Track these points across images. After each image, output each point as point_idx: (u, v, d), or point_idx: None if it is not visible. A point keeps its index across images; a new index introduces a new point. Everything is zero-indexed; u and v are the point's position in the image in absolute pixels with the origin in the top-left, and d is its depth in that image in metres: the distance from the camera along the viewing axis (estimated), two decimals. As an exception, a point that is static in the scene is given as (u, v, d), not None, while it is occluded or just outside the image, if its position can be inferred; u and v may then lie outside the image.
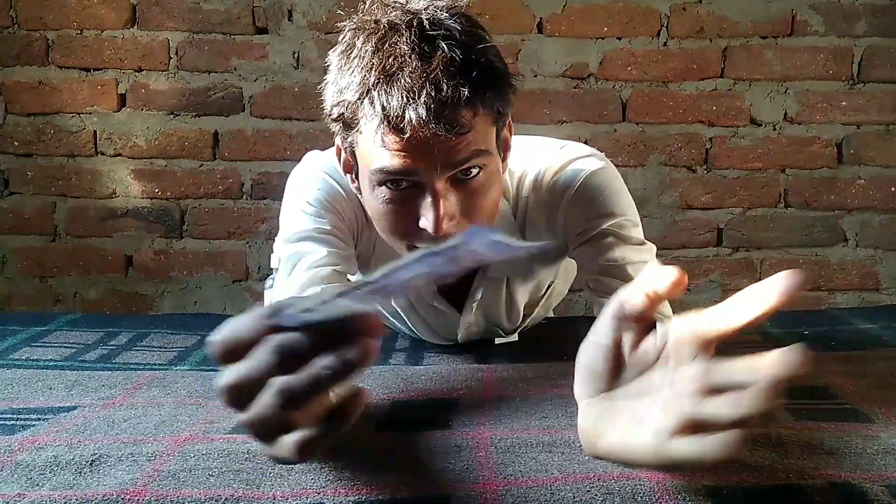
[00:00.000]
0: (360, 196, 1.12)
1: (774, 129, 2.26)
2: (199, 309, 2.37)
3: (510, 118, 1.08)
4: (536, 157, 1.21)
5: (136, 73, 2.29)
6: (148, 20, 2.26)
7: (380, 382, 1.13)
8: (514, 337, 1.34)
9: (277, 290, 1.11)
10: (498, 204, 1.09)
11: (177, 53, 2.27)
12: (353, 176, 1.10)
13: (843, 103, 2.24)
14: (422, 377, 1.16)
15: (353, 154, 1.07)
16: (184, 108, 2.29)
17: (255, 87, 2.27)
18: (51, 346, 1.34)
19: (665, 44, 2.24)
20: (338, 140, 1.09)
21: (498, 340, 1.32)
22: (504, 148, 1.09)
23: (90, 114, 2.30)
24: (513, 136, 1.13)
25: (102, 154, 2.31)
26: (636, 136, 2.27)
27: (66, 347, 1.34)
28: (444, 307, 1.28)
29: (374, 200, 1.04)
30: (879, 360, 1.19)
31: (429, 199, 0.98)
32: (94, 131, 2.31)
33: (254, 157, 2.29)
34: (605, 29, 2.23)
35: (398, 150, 0.96)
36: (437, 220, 0.97)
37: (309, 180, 1.19)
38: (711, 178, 2.29)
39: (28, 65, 2.28)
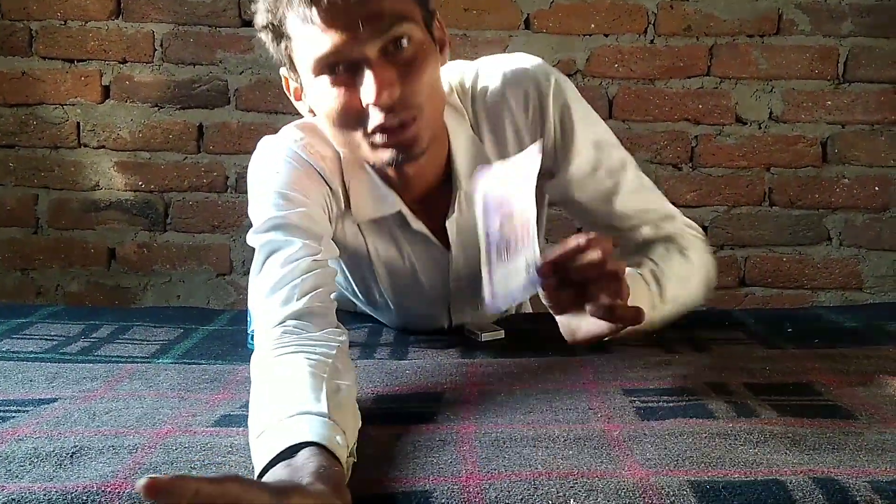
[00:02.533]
0: (314, 117, 1.14)
1: (760, 128, 2.27)
2: (182, 303, 2.36)
3: (441, 23, 1.13)
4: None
5: (121, 65, 2.27)
6: (133, 11, 2.24)
7: (364, 377, 1.13)
8: (501, 333, 1.33)
9: (252, 287, 1.09)
10: (440, 91, 1.11)
11: (162, 45, 2.26)
12: (304, 99, 1.14)
13: (829, 102, 2.25)
14: (406, 372, 1.16)
15: (293, 68, 1.11)
16: (168, 101, 2.27)
17: (241, 80, 2.26)
18: (32, 339, 1.34)
19: (652, 41, 2.24)
20: (283, 71, 1.16)
21: (484, 336, 1.32)
22: (440, 42, 1.12)
23: (73, 105, 2.28)
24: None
25: (86, 146, 2.30)
26: (622, 133, 2.27)
27: (47, 340, 1.33)
28: (429, 234, 1.23)
29: (323, 99, 1.06)
30: (862, 358, 1.19)
31: (366, 72, 1.01)
32: (78, 123, 2.29)
33: (239, 151, 2.27)
34: (593, 26, 2.23)
35: (324, 29, 1.00)
36: (379, 87, 0.99)
37: (270, 167, 1.17)
38: (697, 175, 2.29)
39: (11, 55, 2.26)
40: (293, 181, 1.14)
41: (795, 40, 2.23)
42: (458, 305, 1.36)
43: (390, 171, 1.16)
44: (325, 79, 1.04)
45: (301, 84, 1.13)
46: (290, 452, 0.73)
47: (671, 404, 1.00)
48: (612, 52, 2.24)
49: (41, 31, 2.25)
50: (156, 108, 2.28)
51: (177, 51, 2.26)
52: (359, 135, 1.07)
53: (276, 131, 2.12)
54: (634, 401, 1.01)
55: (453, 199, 1.21)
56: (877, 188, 2.28)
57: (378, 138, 1.05)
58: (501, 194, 0.86)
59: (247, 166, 2.24)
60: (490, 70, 1.21)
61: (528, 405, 1.00)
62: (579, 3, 2.22)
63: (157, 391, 1.07)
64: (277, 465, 0.73)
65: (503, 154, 1.18)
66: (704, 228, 2.30)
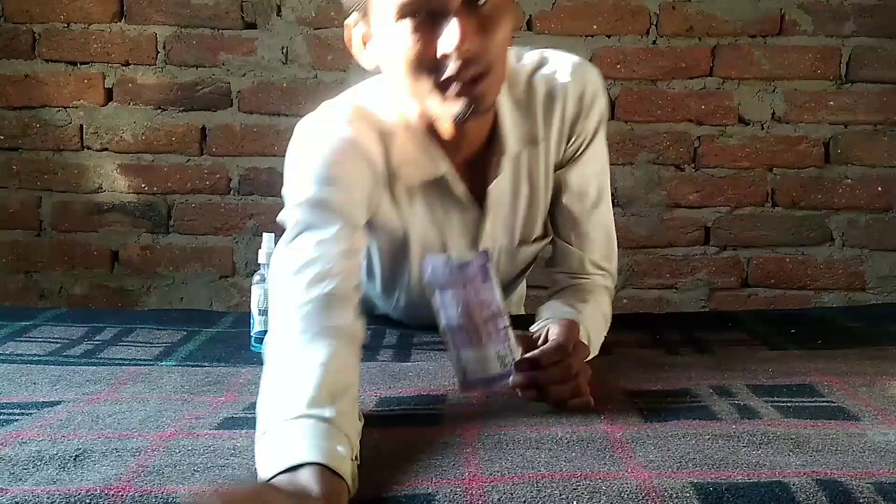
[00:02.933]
0: (377, 70, 1.15)
1: (762, 129, 2.27)
2: (185, 305, 2.36)
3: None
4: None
5: (124, 67, 2.27)
6: (135, 14, 2.25)
7: (367, 379, 1.13)
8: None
9: (278, 259, 1.08)
10: (507, 54, 1.13)
11: (164, 48, 2.26)
12: (369, 48, 1.14)
13: (831, 103, 2.25)
14: (409, 374, 1.16)
15: (366, 14, 1.11)
16: (171, 103, 2.28)
17: (243, 83, 2.26)
18: (35, 341, 1.34)
19: (654, 42, 2.24)
20: (350, 20, 1.14)
21: None
22: (511, 19, 1.12)
23: (77, 108, 2.28)
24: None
25: (89, 148, 2.30)
26: (625, 134, 2.27)
27: (50, 342, 1.33)
28: (465, 199, 1.24)
29: (399, 45, 1.06)
30: (865, 359, 1.19)
31: (451, 20, 1.02)
32: (81, 125, 2.29)
33: (241, 153, 2.28)
34: (595, 27, 2.23)
35: None
36: (462, 36, 1.01)
37: (314, 144, 1.15)
38: (699, 176, 2.29)
39: (14, 58, 2.26)
40: (338, 162, 1.13)
41: (798, 41, 2.23)
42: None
43: (450, 129, 1.17)
44: (406, 23, 1.04)
45: (372, 31, 1.12)
46: (292, 468, 0.74)
47: (674, 406, 1.00)
48: (614, 54, 2.24)
49: (44, 34, 2.25)
50: (159, 111, 2.28)
51: (179, 53, 2.26)
52: (429, 84, 1.07)
53: (278, 133, 2.12)
54: (637, 402, 1.01)
55: (497, 162, 1.22)
56: (880, 188, 2.28)
57: (451, 89, 1.06)
58: (454, 290, 0.96)
59: (250, 168, 2.24)
60: (559, 57, 1.27)
61: (531, 407, 1.00)
62: (581, 5, 2.22)
63: (161, 394, 1.07)
64: (281, 478, 0.74)
65: (548, 133, 1.24)
66: (707, 230, 2.30)
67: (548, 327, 1.09)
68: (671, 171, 2.29)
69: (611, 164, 2.07)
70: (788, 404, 0.99)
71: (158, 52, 2.26)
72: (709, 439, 0.87)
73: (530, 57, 1.27)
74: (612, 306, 1.32)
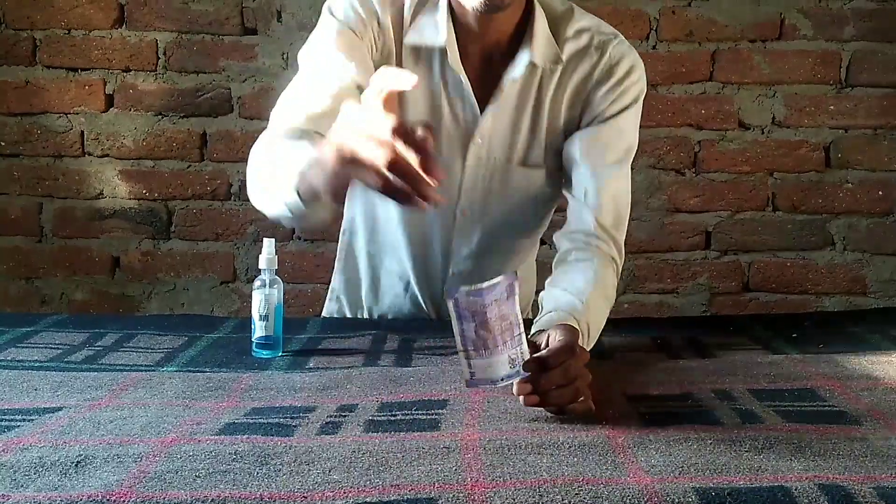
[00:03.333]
0: None
1: (762, 133, 2.27)
2: (186, 310, 2.36)
3: None
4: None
5: (124, 74, 2.28)
6: (136, 20, 2.25)
7: (368, 384, 1.13)
8: None
9: (293, 84, 1.27)
10: None
11: (165, 54, 2.26)
12: None
13: (831, 107, 2.25)
14: (410, 379, 1.16)
15: None
16: (172, 109, 2.28)
17: (244, 88, 2.27)
18: (36, 347, 1.34)
19: (654, 47, 2.24)
20: None
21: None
22: None
23: (77, 114, 2.29)
24: None
25: (90, 154, 2.30)
26: (625, 138, 2.28)
27: (51, 348, 1.33)
28: (466, 82, 1.31)
29: None
30: (867, 363, 1.19)
31: None
32: (82, 132, 2.30)
33: (242, 159, 2.26)
34: (595, 32, 2.23)
35: None
36: None
37: None
38: (700, 181, 2.29)
39: (15, 64, 2.27)
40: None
41: (797, 45, 2.23)
42: (462, 230, 1.43)
43: (471, 17, 1.27)
44: None
45: None
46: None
47: (675, 410, 1.00)
48: (614, 58, 2.24)
49: (45, 41, 2.26)
50: (159, 117, 2.28)
51: (180, 59, 2.26)
52: None
53: (279, 139, 2.10)
54: (639, 407, 1.01)
55: (516, 60, 1.30)
56: (880, 192, 2.28)
57: None
58: (476, 307, 0.99)
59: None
60: (618, 37, 1.42)
61: (533, 412, 1.00)
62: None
63: (162, 399, 1.07)
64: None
65: (569, 78, 1.35)
66: (708, 234, 2.30)
67: (548, 334, 1.09)
68: (672, 176, 2.29)
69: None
70: (790, 408, 0.99)
71: (159, 59, 2.27)
72: (710, 444, 0.87)
73: (592, 19, 1.41)
74: (616, 287, 1.36)
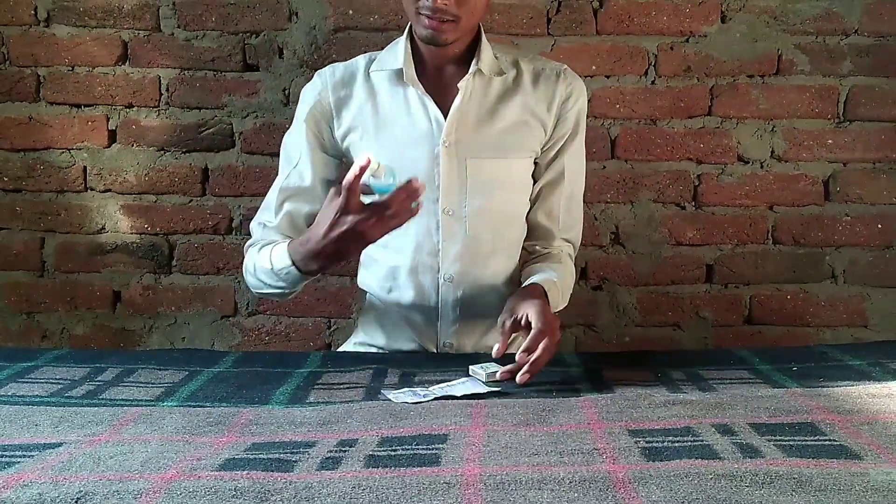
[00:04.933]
0: None
1: (762, 167, 2.28)
2: (187, 344, 2.36)
3: None
4: None
5: (127, 110, 2.29)
6: (139, 57, 2.27)
7: (369, 418, 1.13)
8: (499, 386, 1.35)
9: (272, 188, 1.73)
10: (481, 9, 1.53)
11: (168, 90, 2.28)
12: None
13: (830, 141, 2.26)
14: (411, 413, 1.16)
15: None
16: (174, 145, 2.29)
17: (246, 124, 2.28)
18: (37, 382, 1.34)
19: (653, 82, 2.26)
20: None
21: (488, 382, 1.33)
22: None
23: (80, 149, 2.30)
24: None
25: (92, 190, 2.31)
26: (625, 172, 2.28)
27: (52, 383, 1.33)
28: (421, 90, 1.61)
29: None
30: (867, 397, 1.19)
31: None
32: (84, 167, 2.31)
33: (243, 193, 2.29)
34: (594, 67, 2.25)
35: None
36: None
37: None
38: (700, 214, 2.30)
39: (19, 101, 2.29)
40: (313, 88, 1.70)
41: (795, 80, 2.25)
42: (447, 230, 1.63)
43: (424, 48, 1.60)
44: None
45: None
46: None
47: (676, 445, 1.00)
48: (613, 93, 2.26)
49: (49, 77, 2.28)
50: (162, 152, 2.30)
51: (182, 95, 2.28)
52: (413, 8, 1.49)
53: (280, 174, 2.10)
54: (639, 441, 1.01)
55: (470, 71, 1.61)
56: (879, 226, 2.28)
57: (423, 20, 1.48)
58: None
59: (252, 209, 2.24)
60: (549, 60, 1.74)
61: (533, 447, 1.00)
62: (580, 46, 2.25)
63: (162, 434, 1.07)
64: (296, 241, 1.51)
65: (537, 102, 1.66)
66: (709, 267, 2.30)
67: (525, 313, 1.40)
68: (672, 210, 2.30)
69: (611, 202, 2.14)
70: (790, 443, 0.99)
71: (162, 95, 2.28)
72: (711, 479, 0.87)
73: (524, 54, 1.73)
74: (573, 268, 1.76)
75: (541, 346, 1.32)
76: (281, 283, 1.56)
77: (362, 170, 1.29)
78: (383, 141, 1.63)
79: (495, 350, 1.37)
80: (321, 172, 1.68)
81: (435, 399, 1.24)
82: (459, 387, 1.30)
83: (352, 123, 1.66)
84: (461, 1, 1.46)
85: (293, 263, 1.49)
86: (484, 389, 1.29)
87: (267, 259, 1.55)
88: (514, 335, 1.47)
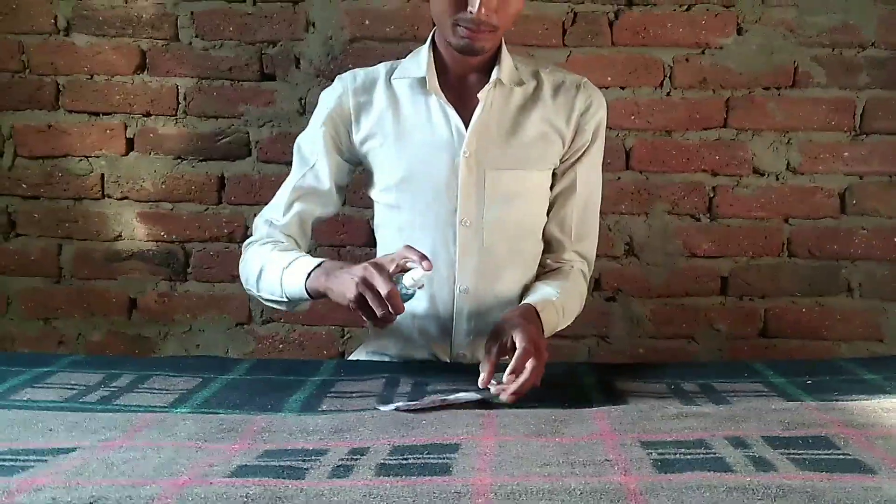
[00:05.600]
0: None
1: (777, 179, 2.27)
2: (201, 352, 2.37)
3: None
4: None
5: (145, 118, 2.31)
6: (158, 66, 2.29)
7: (380, 427, 1.13)
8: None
9: (284, 184, 1.74)
10: (513, 19, 1.54)
11: (185, 99, 2.30)
12: None
13: (846, 154, 2.26)
14: (423, 422, 1.16)
15: None
16: (191, 153, 2.31)
17: (262, 133, 2.30)
18: (52, 388, 1.35)
19: (668, 94, 2.26)
20: None
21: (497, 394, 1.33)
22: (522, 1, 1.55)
23: (98, 157, 2.32)
24: None
25: (109, 197, 2.33)
26: (640, 184, 2.28)
27: (67, 389, 1.34)
28: (446, 103, 1.60)
29: None
30: (882, 411, 1.18)
31: None
32: (102, 174, 2.33)
33: (259, 202, 2.30)
34: (609, 79, 2.25)
35: None
36: (484, 6, 1.43)
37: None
38: (715, 227, 2.29)
39: (38, 109, 2.31)
40: (333, 93, 1.70)
41: (812, 93, 2.24)
42: (464, 241, 1.62)
43: (451, 53, 1.59)
44: None
45: None
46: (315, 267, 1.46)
47: (689, 457, 0.99)
48: (628, 105, 2.26)
49: (68, 86, 2.30)
50: (178, 160, 2.31)
51: (200, 104, 2.30)
52: (450, 20, 1.48)
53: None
54: (652, 453, 1.01)
55: (491, 80, 1.60)
56: (896, 239, 2.27)
57: (461, 30, 1.48)
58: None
59: (267, 217, 2.24)
60: (570, 72, 1.73)
61: (545, 457, 1.00)
62: (595, 57, 2.25)
63: (175, 440, 1.07)
64: (318, 270, 1.45)
65: (557, 113, 1.65)
66: (724, 279, 2.30)
67: (510, 335, 1.37)
68: (687, 221, 2.30)
69: (625, 213, 2.14)
70: (804, 456, 0.99)
71: (179, 104, 2.30)
72: (723, 492, 0.86)
73: (544, 64, 1.73)
74: (585, 288, 1.73)
75: (527, 366, 1.29)
76: (284, 303, 1.58)
77: (421, 269, 1.32)
78: (403, 149, 1.63)
79: (481, 380, 1.32)
80: (336, 177, 1.68)
81: (432, 405, 1.25)
82: (462, 395, 1.31)
83: (371, 130, 1.65)
84: (501, 10, 1.47)
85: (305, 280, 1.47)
86: (477, 397, 1.30)
87: (277, 284, 1.54)
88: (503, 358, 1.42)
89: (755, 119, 2.25)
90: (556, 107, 1.65)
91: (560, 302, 1.58)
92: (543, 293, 1.58)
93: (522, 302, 1.57)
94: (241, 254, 1.71)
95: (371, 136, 1.65)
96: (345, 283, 1.33)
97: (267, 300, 1.61)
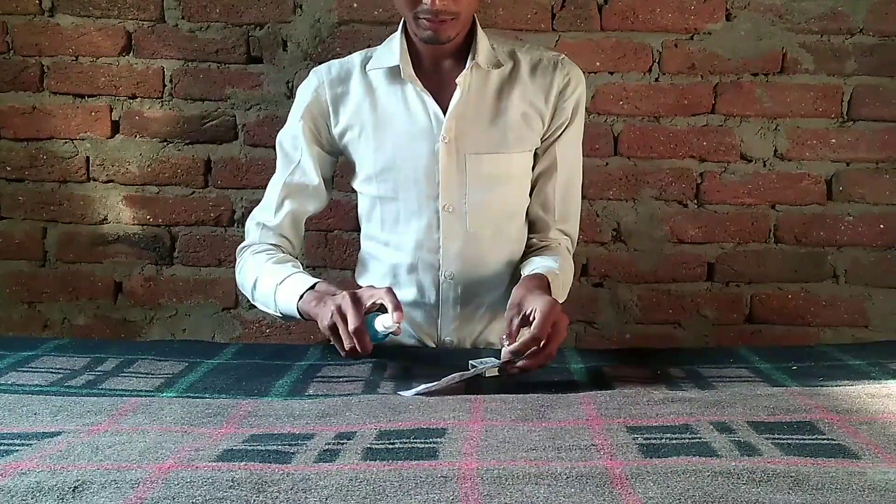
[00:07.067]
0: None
1: (765, 165, 2.28)
2: (187, 336, 2.36)
3: None
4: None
5: (131, 101, 2.29)
6: (143, 48, 2.27)
7: (368, 412, 1.13)
8: (495, 372, 1.34)
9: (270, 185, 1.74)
10: (475, 6, 1.54)
11: (171, 81, 2.28)
12: None
13: (833, 140, 2.26)
14: (409, 406, 1.16)
15: None
16: (177, 136, 2.29)
17: (249, 116, 2.28)
18: (37, 372, 1.34)
19: (657, 79, 2.26)
20: None
21: (487, 373, 1.32)
22: None
23: (83, 140, 2.30)
24: None
25: (94, 180, 2.32)
26: (628, 169, 2.28)
27: (52, 373, 1.34)
28: (423, 90, 1.60)
29: None
30: (867, 397, 1.19)
31: None
32: (87, 157, 2.31)
33: (246, 185, 2.29)
34: (598, 64, 2.25)
35: None
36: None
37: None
38: (702, 213, 2.30)
39: (22, 90, 2.29)
40: (309, 86, 1.69)
41: (800, 79, 2.24)
42: (448, 227, 1.64)
43: (419, 43, 1.58)
44: None
45: None
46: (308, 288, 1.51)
47: (674, 442, 1.00)
48: (617, 90, 2.26)
49: (52, 67, 2.28)
50: (164, 143, 2.30)
51: (186, 87, 2.28)
52: (411, 14, 1.49)
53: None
54: (637, 438, 1.01)
55: (468, 65, 1.60)
56: (882, 226, 2.28)
57: (423, 21, 1.48)
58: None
59: (254, 201, 2.25)
60: (547, 49, 1.72)
61: (531, 442, 1.00)
62: (584, 42, 2.24)
63: (161, 425, 1.07)
64: (310, 293, 1.50)
65: (536, 93, 1.65)
66: (710, 265, 2.30)
67: (533, 308, 1.36)
68: (674, 207, 2.30)
69: (613, 199, 2.14)
70: (789, 441, 0.99)
71: (165, 86, 2.29)
72: (708, 476, 0.87)
73: (521, 44, 1.70)
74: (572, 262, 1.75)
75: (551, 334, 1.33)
76: (279, 317, 1.63)
77: (394, 320, 1.36)
78: (382, 138, 1.63)
79: (507, 349, 1.32)
80: (322, 170, 1.69)
81: (451, 384, 1.27)
82: (480, 366, 1.35)
83: (349, 121, 1.66)
84: None
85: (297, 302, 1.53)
86: (498, 363, 1.34)
87: (271, 299, 1.59)
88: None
89: (743, 105, 2.26)
90: (534, 86, 1.64)
91: (560, 276, 1.60)
92: (547, 265, 1.59)
93: (531, 271, 1.58)
94: (231, 240, 1.73)
95: (350, 128, 1.66)
96: (324, 311, 1.41)
97: (263, 311, 1.67)
